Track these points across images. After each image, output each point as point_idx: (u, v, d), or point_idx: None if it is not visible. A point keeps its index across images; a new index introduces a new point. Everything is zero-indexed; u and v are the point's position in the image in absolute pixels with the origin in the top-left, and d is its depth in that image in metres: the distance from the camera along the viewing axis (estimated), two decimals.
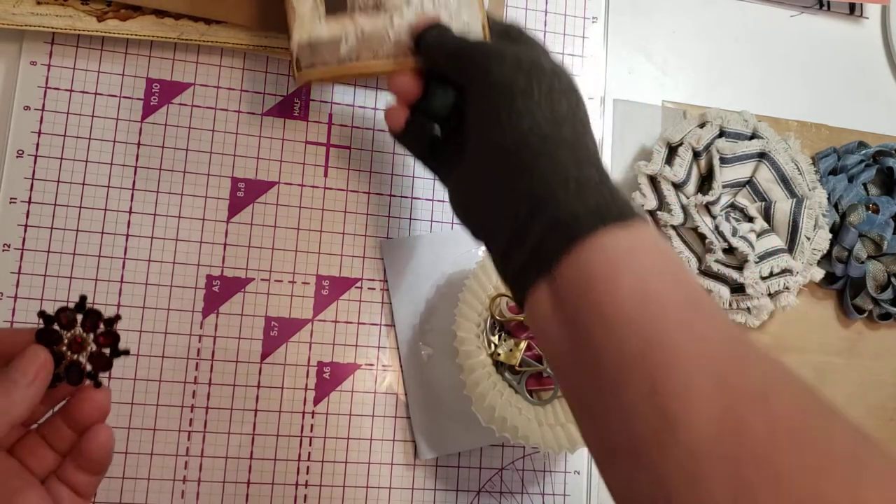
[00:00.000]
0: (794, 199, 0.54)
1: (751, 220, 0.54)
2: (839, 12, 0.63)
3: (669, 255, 0.31)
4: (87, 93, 0.48)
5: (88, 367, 0.32)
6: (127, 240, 0.48)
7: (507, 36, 0.40)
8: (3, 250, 0.46)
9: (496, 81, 0.35)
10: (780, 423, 0.25)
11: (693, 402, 0.25)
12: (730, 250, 0.52)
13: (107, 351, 0.33)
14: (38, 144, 0.47)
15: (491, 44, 0.38)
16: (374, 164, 0.52)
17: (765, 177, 0.54)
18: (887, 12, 0.63)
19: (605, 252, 0.29)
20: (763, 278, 0.52)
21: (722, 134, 0.54)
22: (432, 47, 0.39)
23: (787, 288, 0.52)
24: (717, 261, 0.51)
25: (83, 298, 0.33)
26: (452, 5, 0.40)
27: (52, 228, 0.47)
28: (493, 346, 0.48)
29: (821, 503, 0.23)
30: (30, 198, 0.47)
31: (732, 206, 0.54)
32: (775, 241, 0.53)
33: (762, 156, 0.54)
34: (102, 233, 0.47)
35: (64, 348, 0.32)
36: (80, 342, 0.32)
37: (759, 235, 0.53)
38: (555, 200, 0.31)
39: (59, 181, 0.47)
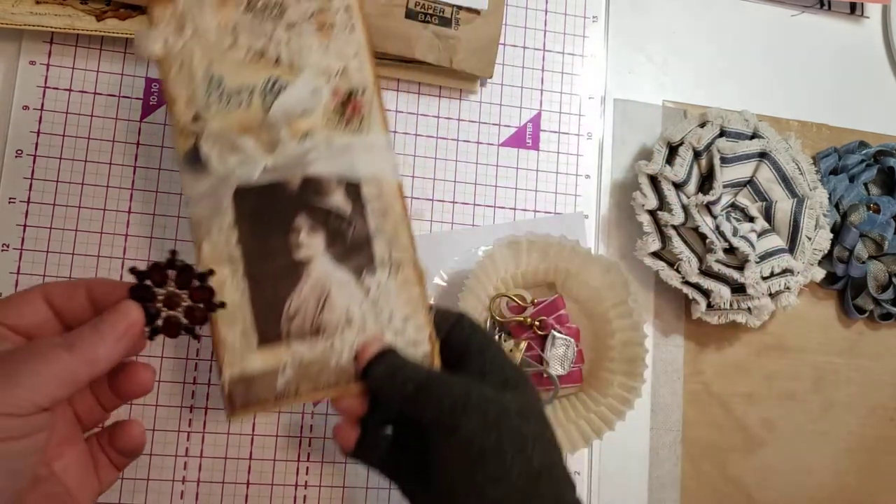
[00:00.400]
0: (795, 199, 0.54)
1: (751, 219, 0.54)
2: (840, 12, 0.63)
3: None
4: (86, 92, 0.48)
5: (185, 321, 0.33)
6: (126, 240, 0.48)
7: (457, 341, 0.37)
8: (3, 250, 0.46)
9: (466, 446, 0.33)
10: None
11: None
12: (731, 250, 0.52)
13: (202, 305, 0.33)
14: (37, 144, 0.47)
15: (451, 385, 0.34)
16: None
17: (765, 176, 0.54)
18: (887, 12, 0.63)
19: None
20: (764, 278, 0.52)
21: (722, 133, 0.54)
22: (383, 382, 0.35)
23: (787, 288, 0.52)
24: (717, 261, 0.51)
25: (174, 253, 0.33)
26: (397, 322, 0.36)
27: (51, 228, 0.47)
28: None
29: None
30: (29, 198, 0.47)
31: (733, 206, 0.54)
32: (776, 240, 0.53)
33: (763, 155, 0.54)
34: (102, 233, 0.47)
35: (159, 304, 0.32)
36: (175, 298, 0.32)
37: (759, 235, 0.53)
38: None
39: (58, 181, 0.47)
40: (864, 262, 0.57)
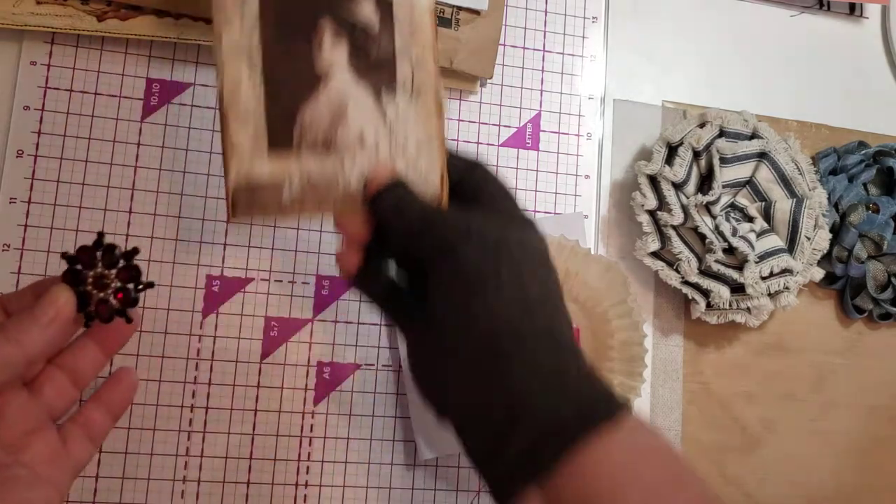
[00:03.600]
0: (795, 199, 0.54)
1: (751, 219, 0.54)
2: (839, 12, 0.63)
3: (666, 451, 0.30)
4: (86, 93, 0.48)
5: (116, 304, 0.33)
6: (127, 239, 0.48)
7: (469, 187, 0.36)
8: (3, 250, 0.46)
9: (462, 269, 0.32)
10: None
11: None
12: (730, 250, 0.52)
13: (130, 285, 0.33)
14: (37, 144, 0.47)
15: (454, 218, 0.34)
16: None
17: (765, 177, 0.54)
18: (887, 12, 0.63)
19: (603, 465, 0.28)
20: (763, 278, 0.52)
21: (722, 134, 0.54)
22: (389, 214, 0.35)
23: (787, 288, 0.52)
24: (717, 261, 0.51)
25: (100, 235, 0.33)
26: (410, 151, 0.35)
27: (51, 228, 0.47)
28: None
29: None
30: (30, 198, 0.47)
31: (732, 206, 0.54)
32: (775, 241, 0.53)
33: (762, 156, 0.54)
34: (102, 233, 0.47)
35: (89, 287, 0.32)
36: (103, 280, 0.32)
37: (759, 235, 0.53)
38: (536, 404, 0.29)
39: (58, 181, 0.47)
40: (863, 262, 0.57)
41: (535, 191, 0.54)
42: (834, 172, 0.58)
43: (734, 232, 0.52)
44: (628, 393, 0.48)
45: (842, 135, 0.60)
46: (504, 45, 0.55)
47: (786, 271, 0.52)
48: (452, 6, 0.51)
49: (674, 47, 0.59)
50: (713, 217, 0.52)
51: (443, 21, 0.51)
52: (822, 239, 0.54)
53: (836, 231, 0.56)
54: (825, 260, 0.56)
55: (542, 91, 0.55)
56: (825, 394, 0.57)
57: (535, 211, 0.54)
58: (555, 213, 0.54)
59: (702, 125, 0.54)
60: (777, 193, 0.54)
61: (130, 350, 0.47)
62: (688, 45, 0.59)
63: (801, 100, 0.60)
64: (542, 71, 0.56)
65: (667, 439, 0.31)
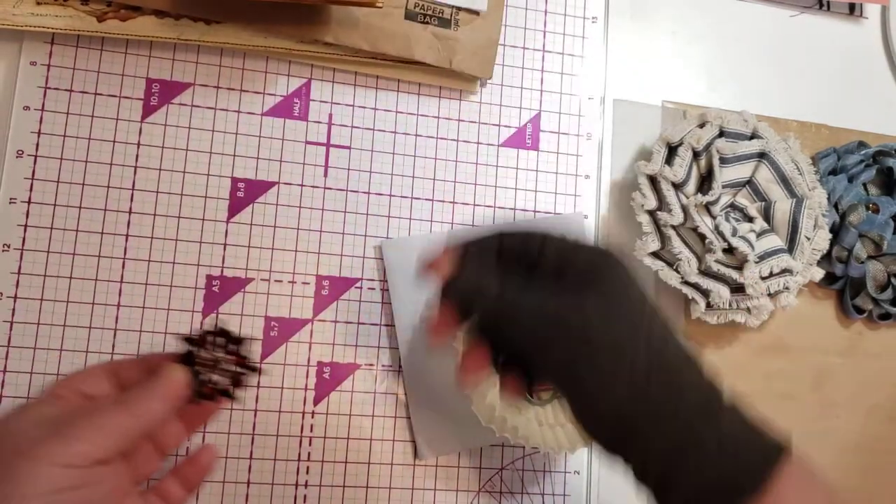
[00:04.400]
0: (794, 199, 0.54)
1: (751, 220, 0.54)
2: (839, 12, 0.63)
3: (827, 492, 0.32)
4: (86, 93, 0.48)
5: (226, 385, 0.37)
6: (127, 240, 0.48)
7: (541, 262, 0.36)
8: (3, 250, 0.46)
9: (556, 363, 0.33)
10: None
11: None
12: (730, 250, 0.52)
13: (239, 369, 0.37)
14: (37, 145, 0.47)
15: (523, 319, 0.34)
16: (374, 164, 0.52)
17: (765, 177, 0.54)
18: (887, 12, 0.63)
19: None
20: (763, 278, 0.52)
21: (722, 134, 0.54)
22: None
23: (786, 288, 0.52)
24: (717, 261, 0.51)
25: (217, 321, 0.38)
26: None
27: (51, 228, 0.47)
28: None
29: None
30: (30, 198, 0.47)
31: (732, 206, 0.54)
32: (775, 241, 0.53)
33: (762, 156, 0.54)
34: (102, 233, 0.47)
35: (200, 368, 0.36)
36: (216, 363, 0.37)
37: (758, 235, 0.53)
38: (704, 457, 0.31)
39: (58, 181, 0.47)
40: (862, 262, 0.57)
41: (535, 191, 0.54)
42: (834, 172, 0.58)
43: (734, 232, 0.52)
44: None
45: (842, 135, 0.60)
46: (504, 45, 0.55)
47: (785, 271, 0.52)
48: (452, 6, 0.51)
49: (674, 47, 0.59)
50: (713, 217, 0.52)
51: (442, 21, 0.51)
52: (822, 239, 0.54)
53: (836, 231, 0.56)
54: (825, 260, 0.56)
55: (542, 91, 0.55)
56: (825, 394, 0.57)
57: (535, 211, 0.54)
58: (555, 213, 0.54)
59: (702, 125, 0.54)
60: (777, 193, 0.54)
61: (131, 350, 0.47)
62: (688, 45, 0.59)
63: (801, 100, 0.60)
64: (542, 71, 0.56)
65: (823, 478, 0.33)
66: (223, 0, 0.47)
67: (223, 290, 0.48)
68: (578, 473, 0.52)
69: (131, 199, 0.48)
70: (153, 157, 0.49)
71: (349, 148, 0.52)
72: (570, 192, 0.55)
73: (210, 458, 0.40)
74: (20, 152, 0.47)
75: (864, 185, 0.59)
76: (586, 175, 0.55)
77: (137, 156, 0.49)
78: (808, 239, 0.54)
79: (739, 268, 0.51)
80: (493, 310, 0.35)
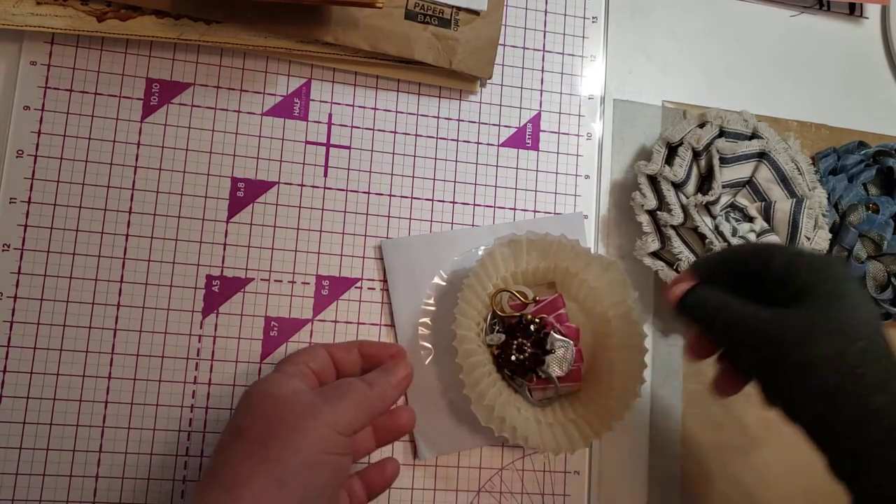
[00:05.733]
0: (794, 200, 0.54)
1: (751, 220, 0.54)
2: (839, 12, 0.63)
3: None
4: (86, 93, 0.48)
5: (528, 364, 0.48)
6: (127, 240, 0.48)
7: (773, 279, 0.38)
8: (3, 250, 0.46)
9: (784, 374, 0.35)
10: None
11: None
12: None
13: (538, 351, 0.48)
14: (37, 144, 0.47)
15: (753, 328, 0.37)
16: (374, 164, 0.52)
17: (765, 177, 0.54)
18: (887, 12, 0.63)
19: None
20: None
21: (722, 134, 0.54)
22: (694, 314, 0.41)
23: None
24: None
25: (521, 316, 0.48)
26: None
27: (51, 228, 0.47)
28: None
29: None
30: (30, 198, 0.47)
31: (732, 206, 0.54)
32: (775, 240, 0.53)
33: (762, 156, 0.54)
34: (102, 233, 0.47)
35: (512, 350, 0.47)
36: (521, 346, 0.47)
37: (758, 235, 0.53)
38: None
39: (58, 181, 0.47)
40: (862, 262, 0.57)
41: (535, 191, 0.54)
42: (834, 172, 0.58)
43: (734, 232, 0.52)
44: (628, 393, 0.48)
45: (842, 135, 0.60)
46: (504, 45, 0.55)
47: None
48: (452, 6, 0.51)
49: (674, 47, 0.59)
50: (713, 217, 0.52)
51: (442, 21, 0.51)
52: (822, 239, 0.54)
53: (836, 231, 0.56)
54: None
55: (542, 91, 0.55)
56: None
57: (535, 211, 0.54)
58: (555, 213, 0.54)
59: (701, 125, 0.54)
60: (777, 193, 0.54)
61: (131, 350, 0.47)
62: (688, 45, 0.59)
63: (800, 100, 0.61)
64: (542, 71, 0.56)
65: None
66: (223, 0, 0.47)
67: (223, 290, 0.48)
68: (578, 473, 0.52)
69: (131, 199, 0.48)
70: (153, 157, 0.49)
71: (349, 148, 0.52)
72: (570, 192, 0.55)
73: (395, 468, 0.45)
74: (20, 152, 0.47)
75: (864, 185, 0.59)
76: (586, 175, 0.55)
77: (137, 156, 0.49)
78: (808, 239, 0.54)
79: None
80: (718, 320, 0.38)
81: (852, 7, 0.63)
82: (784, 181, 0.54)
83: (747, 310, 0.37)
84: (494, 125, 0.54)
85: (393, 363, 0.45)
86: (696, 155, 0.53)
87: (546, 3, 0.56)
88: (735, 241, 0.51)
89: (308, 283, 0.50)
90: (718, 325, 0.38)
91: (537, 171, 0.54)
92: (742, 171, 0.54)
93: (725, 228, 0.51)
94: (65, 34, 0.47)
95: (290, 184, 0.50)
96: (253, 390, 0.40)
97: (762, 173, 0.54)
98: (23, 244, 0.46)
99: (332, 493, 0.39)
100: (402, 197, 0.52)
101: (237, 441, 0.38)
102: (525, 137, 0.55)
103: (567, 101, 0.56)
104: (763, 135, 0.54)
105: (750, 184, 0.54)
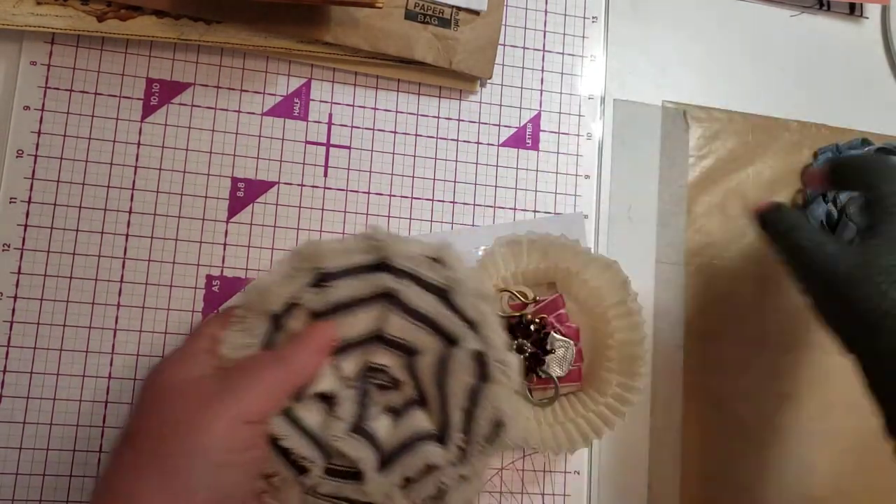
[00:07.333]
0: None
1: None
2: (839, 12, 0.63)
3: None
4: (87, 93, 0.48)
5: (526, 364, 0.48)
6: (127, 240, 0.48)
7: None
8: (3, 250, 0.46)
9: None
10: None
11: None
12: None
13: (539, 351, 0.48)
14: (37, 144, 0.47)
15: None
16: (374, 164, 0.52)
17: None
18: (887, 12, 0.63)
19: None
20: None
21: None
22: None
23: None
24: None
25: (521, 316, 0.48)
26: None
27: (51, 228, 0.47)
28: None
29: None
30: (30, 198, 0.47)
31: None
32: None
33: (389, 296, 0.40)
34: (102, 233, 0.47)
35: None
36: (521, 346, 0.47)
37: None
38: None
39: (59, 181, 0.47)
40: None
41: (535, 191, 0.54)
42: None
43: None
44: (628, 393, 0.48)
45: (842, 135, 0.60)
46: (504, 45, 0.55)
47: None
48: (452, 6, 0.51)
49: (674, 47, 0.59)
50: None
51: (442, 21, 0.51)
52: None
53: (835, 225, 0.56)
54: None
55: (542, 91, 0.55)
56: (825, 393, 0.57)
57: (535, 211, 0.54)
58: (555, 213, 0.54)
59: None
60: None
61: (131, 350, 0.47)
62: (688, 45, 0.59)
63: (801, 100, 0.60)
64: (542, 71, 0.56)
65: None
66: (223, 0, 0.47)
67: (223, 290, 0.48)
68: (578, 473, 0.52)
69: (131, 199, 0.48)
70: (153, 157, 0.49)
71: (349, 148, 0.52)
72: (570, 192, 0.55)
73: None
74: (20, 152, 0.47)
75: None
76: (586, 175, 0.55)
77: (137, 156, 0.49)
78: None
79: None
80: (786, 241, 0.40)
81: (852, 7, 0.63)
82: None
83: (816, 238, 0.38)
84: (494, 125, 0.54)
85: (311, 327, 0.37)
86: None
87: (546, 3, 0.56)
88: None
89: None
90: (784, 246, 0.39)
91: (537, 171, 0.54)
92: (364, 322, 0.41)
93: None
94: (65, 34, 0.47)
95: (291, 184, 0.50)
96: (148, 381, 0.35)
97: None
98: (23, 244, 0.46)
99: (246, 495, 0.34)
100: (402, 197, 0.52)
101: (128, 449, 0.33)
102: (525, 137, 0.55)
103: (567, 101, 0.56)
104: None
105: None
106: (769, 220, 0.43)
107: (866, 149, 0.58)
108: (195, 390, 0.33)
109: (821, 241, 0.39)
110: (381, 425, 0.38)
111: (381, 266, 0.39)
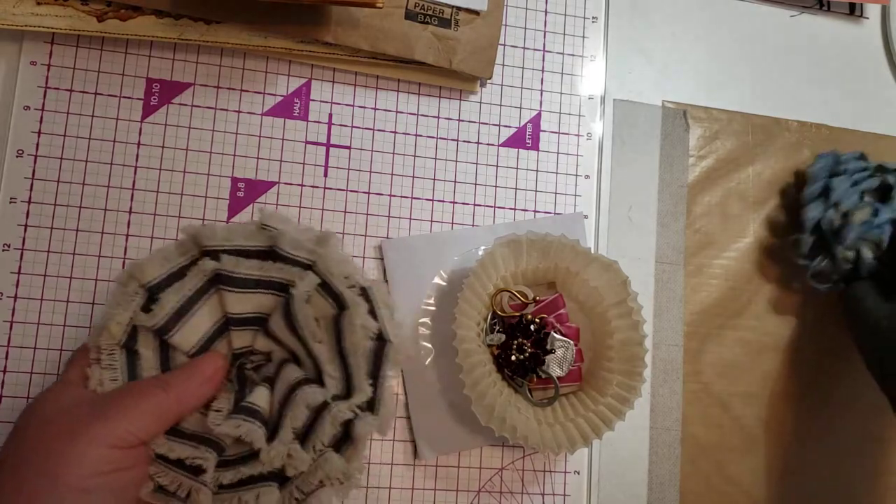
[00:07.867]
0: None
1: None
2: (839, 12, 0.63)
3: None
4: (87, 93, 0.48)
5: (528, 364, 0.48)
6: (127, 240, 0.48)
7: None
8: (3, 250, 0.46)
9: None
10: None
11: None
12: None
13: (538, 351, 0.48)
14: (38, 144, 0.47)
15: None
16: (374, 164, 0.52)
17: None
18: (887, 12, 0.63)
19: None
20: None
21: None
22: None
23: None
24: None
25: (522, 316, 0.48)
26: None
27: (52, 228, 0.47)
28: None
29: None
30: (30, 198, 0.47)
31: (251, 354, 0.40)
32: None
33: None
34: (102, 233, 0.47)
35: (513, 351, 0.48)
36: (521, 346, 0.47)
37: None
38: None
39: (59, 181, 0.47)
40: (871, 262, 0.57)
41: (535, 191, 0.54)
42: (836, 174, 0.58)
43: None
44: (628, 393, 0.48)
45: (842, 135, 0.60)
46: (504, 45, 0.55)
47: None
48: (452, 6, 0.51)
49: (674, 47, 0.59)
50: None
51: (442, 21, 0.51)
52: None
53: (838, 231, 0.56)
54: (830, 262, 0.56)
55: (542, 91, 0.55)
56: (824, 394, 0.57)
57: (535, 211, 0.54)
58: (555, 213, 0.54)
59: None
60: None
61: None
62: (688, 45, 0.59)
63: (801, 100, 0.60)
64: (542, 71, 0.56)
65: None
66: (223, 0, 0.47)
67: None
68: (578, 473, 0.52)
69: (131, 199, 0.48)
70: (153, 156, 0.49)
71: (349, 148, 0.52)
72: (570, 192, 0.55)
73: None
74: (20, 152, 0.47)
75: (862, 192, 0.58)
76: (586, 175, 0.55)
77: (137, 156, 0.49)
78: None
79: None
80: (846, 301, 0.45)
81: (852, 7, 0.63)
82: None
83: (871, 300, 0.41)
84: (494, 125, 0.54)
85: (199, 358, 0.38)
86: None
87: (546, 3, 0.56)
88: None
89: None
90: (845, 307, 0.42)
91: (537, 171, 0.54)
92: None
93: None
94: (65, 34, 0.47)
95: (291, 184, 0.50)
96: (25, 409, 0.35)
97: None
98: (23, 244, 0.46)
99: None
100: (402, 197, 0.52)
101: None
102: (525, 137, 0.55)
103: (567, 101, 0.56)
104: None
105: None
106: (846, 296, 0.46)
107: (866, 163, 0.58)
108: (66, 418, 0.33)
109: (876, 302, 0.42)
110: (260, 396, 0.38)
111: (202, 254, 0.38)
